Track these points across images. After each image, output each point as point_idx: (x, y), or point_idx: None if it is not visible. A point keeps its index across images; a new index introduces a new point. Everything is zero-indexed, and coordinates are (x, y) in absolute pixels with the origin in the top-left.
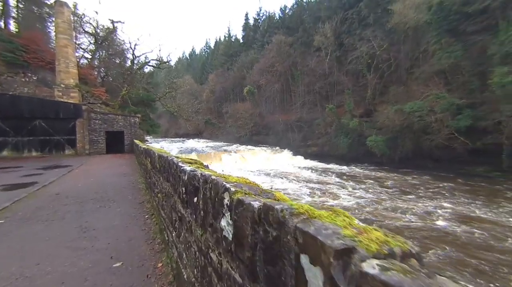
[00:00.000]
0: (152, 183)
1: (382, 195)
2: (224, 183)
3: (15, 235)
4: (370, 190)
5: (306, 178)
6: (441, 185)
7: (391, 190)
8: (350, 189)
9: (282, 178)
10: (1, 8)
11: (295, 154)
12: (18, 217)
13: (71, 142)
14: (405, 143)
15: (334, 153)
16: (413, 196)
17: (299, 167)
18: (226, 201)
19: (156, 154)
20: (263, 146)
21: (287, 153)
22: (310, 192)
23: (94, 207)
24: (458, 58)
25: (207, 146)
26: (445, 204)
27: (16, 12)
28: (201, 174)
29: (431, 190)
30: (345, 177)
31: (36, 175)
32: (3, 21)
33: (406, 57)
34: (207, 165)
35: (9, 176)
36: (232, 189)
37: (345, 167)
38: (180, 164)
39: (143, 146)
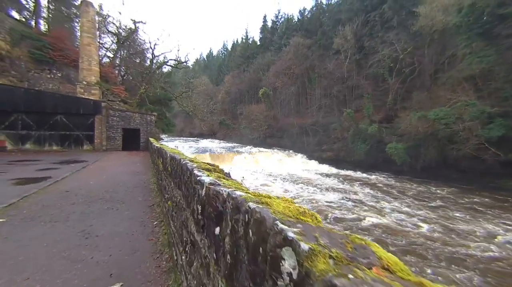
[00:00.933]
0: (162, 186)
1: (428, 211)
2: (281, 225)
3: (14, 238)
4: (411, 205)
5: (332, 186)
6: (482, 200)
7: (433, 204)
8: (388, 203)
9: (306, 185)
10: (33, 8)
11: (309, 158)
12: (22, 216)
13: (89, 138)
14: (428, 152)
15: (350, 159)
16: (463, 214)
17: (317, 173)
18: (287, 267)
19: (168, 155)
20: (277, 149)
21: (301, 157)
22: (352, 205)
23: (102, 209)
24: (491, 63)
25: (220, 147)
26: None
27: (46, 12)
28: (228, 193)
29: (478, 206)
30: (372, 187)
31: (51, 169)
32: (34, 20)
33: (431, 61)
34: (229, 173)
35: (26, 169)
36: (303, 244)
37: (365, 175)
38: (195, 171)
39: (157, 145)
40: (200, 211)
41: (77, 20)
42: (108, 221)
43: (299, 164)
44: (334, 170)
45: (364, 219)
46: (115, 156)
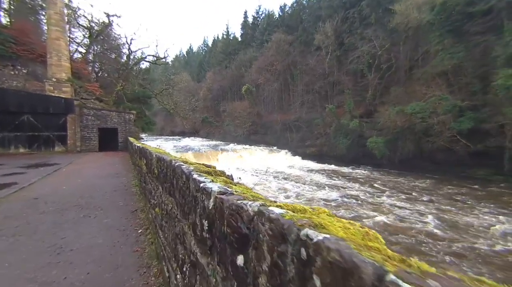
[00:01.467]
0: (147, 190)
1: (420, 204)
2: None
3: None
4: (407, 200)
5: (325, 183)
6: (460, 190)
7: (425, 198)
8: (384, 199)
9: (300, 183)
10: None
11: (293, 154)
12: None
13: (61, 139)
14: (405, 145)
15: (333, 154)
16: (448, 206)
17: (305, 169)
18: None
19: (154, 156)
20: (261, 146)
21: (285, 153)
22: (350, 202)
23: (77, 217)
24: (461, 59)
25: (203, 145)
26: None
27: (8, 4)
28: (259, 211)
29: (457, 196)
30: (361, 182)
31: (17, 174)
32: None
33: (406, 57)
34: (231, 176)
35: None
36: None
37: (350, 169)
38: (195, 176)
39: (138, 145)
40: (206, 228)
41: (44, 13)
42: (85, 232)
43: (283, 161)
44: (319, 166)
45: (370, 217)
46: (91, 158)
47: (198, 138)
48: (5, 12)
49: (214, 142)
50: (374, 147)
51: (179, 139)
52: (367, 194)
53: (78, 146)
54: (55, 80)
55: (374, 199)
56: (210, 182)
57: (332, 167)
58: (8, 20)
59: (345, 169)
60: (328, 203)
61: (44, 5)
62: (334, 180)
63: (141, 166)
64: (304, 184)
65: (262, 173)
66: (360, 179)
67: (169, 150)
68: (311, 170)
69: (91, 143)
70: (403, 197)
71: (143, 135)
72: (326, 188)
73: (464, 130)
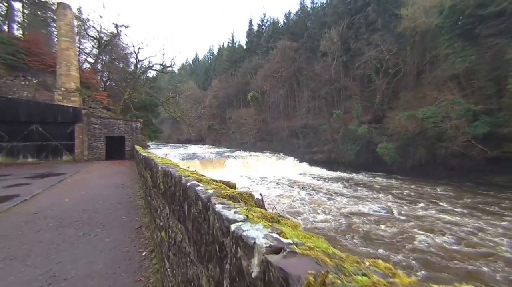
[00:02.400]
0: (153, 206)
1: (464, 217)
2: None
3: None
4: (444, 212)
5: (344, 193)
6: (484, 199)
7: (464, 210)
8: (420, 210)
9: (316, 192)
10: (5, 12)
11: (300, 161)
12: None
13: (69, 148)
14: (417, 151)
15: (341, 160)
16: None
17: (319, 178)
18: None
19: (160, 168)
20: (267, 153)
21: (292, 160)
22: (383, 215)
23: (76, 236)
24: (473, 62)
25: (210, 152)
26: None
27: (21, 17)
28: None
29: (481, 205)
30: (384, 190)
31: (21, 185)
32: (6, 25)
33: (415, 62)
34: (261, 199)
35: None
36: None
37: (366, 177)
38: (218, 207)
39: (143, 154)
40: None
41: (54, 25)
42: (83, 255)
43: (292, 168)
44: (331, 173)
45: (426, 236)
46: (97, 167)
47: (205, 146)
48: (18, 25)
49: (220, 149)
50: (384, 153)
51: (186, 146)
52: (400, 205)
53: (85, 155)
54: (64, 89)
55: (413, 212)
56: (245, 221)
57: (344, 174)
58: (21, 32)
59: (359, 177)
60: (367, 217)
61: (55, 17)
62: (355, 189)
63: (146, 177)
64: (327, 194)
65: (274, 182)
66: (381, 188)
67: (176, 158)
68: (325, 178)
69: (98, 152)
70: (437, 208)
71: (149, 143)
72: (354, 199)
73: (479, 135)
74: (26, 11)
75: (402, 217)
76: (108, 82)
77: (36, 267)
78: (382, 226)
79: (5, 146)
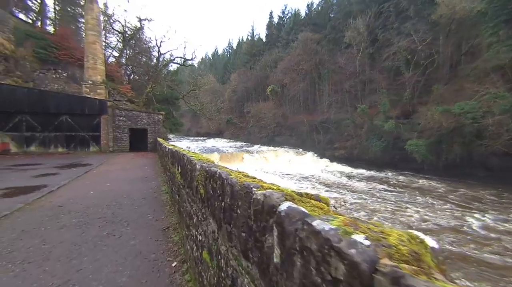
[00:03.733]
0: (185, 210)
1: None
2: None
3: None
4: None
5: (386, 197)
6: None
7: None
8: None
9: (352, 193)
10: (38, 8)
11: (320, 156)
12: None
13: (95, 139)
14: (451, 149)
15: (364, 157)
16: None
17: (345, 175)
18: None
19: (198, 166)
20: (286, 147)
21: (311, 156)
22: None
23: (99, 236)
24: None
25: (228, 146)
26: None
27: (53, 13)
28: None
29: None
30: (426, 192)
31: (50, 175)
32: (40, 21)
33: (452, 52)
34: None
35: (22, 175)
36: None
37: (395, 175)
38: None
39: (169, 147)
40: None
41: (83, 20)
42: (106, 261)
43: (312, 164)
44: (357, 171)
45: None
46: (121, 159)
47: (223, 139)
48: (50, 21)
49: (238, 143)
50: (414, 151)
51: (204, 139)
52: (476, 217)
53: (110, 146)
54: (91, 82)
55: (497, 226)
56: None
57: (375, 173)
58: (53, 28)
59: (392, 176)
60: (424, 229)
61: (83, 13)
62: (402, 192)
63: (173, 173)
64: (379, 198)
65: (300, 178)
66: (431, 191)
67: (195, 150)
68: (355, 177)
69: (123, 143)
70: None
71: (170, 136)
72: (415, 207)
73: None
74: (57, 7)
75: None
76: (132, 75)
77: (54, 275)
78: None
79: (38, 136)
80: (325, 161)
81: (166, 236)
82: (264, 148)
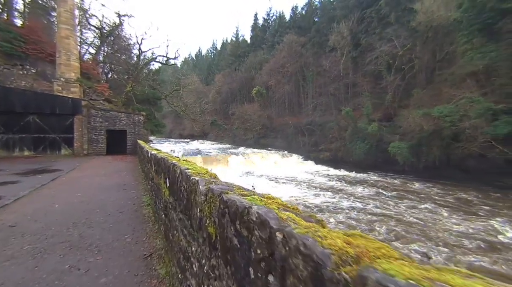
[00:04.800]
0: (177, 244)
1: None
2: None
3: None
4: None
5: (387, 200)
6: None
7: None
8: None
9: (346, 199)
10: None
11: (305, 159)
12: None
13: (68, 141)
14: (431, 151)
15: (349, 159)
16: None
17: (333, 178)
18: None
19: (202, 189)
20: (271, 150)
21: (297, 158)
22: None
23: (58, 270)
24: (494, 59)
25: (213, 148)
26: None
27: (22, 5)
28: None
29: None
30: (418, 195)
31: (8, 184)
32: (6, 12)
33: (430, 58)
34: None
35: None
36: None
37: (380, 178)
38: None
39: (151, 151)
40: None
41: (55, 14)
42: None
43: (297, 166)
44: (343, 173)
45: None
46: (97, 162)
47: (207, 141)
48: (19, 14)
49: (223, 145)
50: (397, 153)
51: (188, 141)
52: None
53: (85, 149)
54: (63, 80)
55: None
56: None
57: (362, 175)
58: (22, 22)
59: (378, 178)
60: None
61: (55, 5)
62: (399, 197)
63: (158, 185)
64: (381, 203)
65: (289, 181)
66: (421, 194)
67: (179, 153)
68: (345, 180)
69: (99, 146)
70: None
71: (151, 138)
72: (421, 213)
73: (500, 135)
74: (26, 0)
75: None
76: (110, 74)
77: None
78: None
79: (0, 138)
80: (310, 163)
81: (149, 268)
82: (249, 150)
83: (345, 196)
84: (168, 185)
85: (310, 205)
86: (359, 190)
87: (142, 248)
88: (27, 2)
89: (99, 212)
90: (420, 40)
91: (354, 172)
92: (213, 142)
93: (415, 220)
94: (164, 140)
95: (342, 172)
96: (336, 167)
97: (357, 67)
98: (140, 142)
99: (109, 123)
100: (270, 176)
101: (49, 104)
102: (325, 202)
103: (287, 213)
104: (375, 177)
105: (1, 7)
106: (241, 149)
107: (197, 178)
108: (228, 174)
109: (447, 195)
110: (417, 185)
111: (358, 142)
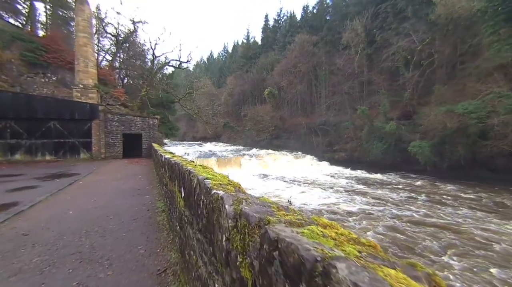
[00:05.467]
0: (196, 269)
1: None
2: None
3: None
4: None
5: (395, 199)
6: None
7: None
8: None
9: (400, 206)
10: (28, 11)
11: (319, 159)
12: None
13: (86, 145)
14: (455, 150)
15: (365, 160)
16: None
17: (355, 180)
18: None
19: (229, 211)
20: (284, 151)
21: (310, 159)
22: None
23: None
24: None
25: (226, 150)
26: None
27: (44, 17)
28: None
29: None
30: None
31: (27, 189)
32: (30, 24)
33: (452, 51)
34: None
35: None
36: None
37: (406, 180)
38: None
39: (165, 155)
40: None
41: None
42: None
43: (311, 167)
44: (370, 176)
45: None
46: (113, 166)
47: (220, 143)
48: (41, 25)
49: (236, 147)
50: (417, 152)
51: (201, 144)
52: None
53: (102, 153)
54: (82, 86)
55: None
56: None
57: (380, 176)
58: (44, 32)
59: (398, 179)
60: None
61: (74, 15)
62: (442, 203)
63: (172, 192)
64: (403, 207)
65: (311, 184)
66: (459, 197)
67: (192, 155)
68: (364, 181)
69: (115, 150)
70: None
71: (166, 141)
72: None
73: None
74: (48, 11)
75: None
76: (126, 79)
77: None
78: None
79: (23, 144)
80: (325, 164)
81: (163, 284)
82: (262, 151)
83: (379, 201)
84: (183, 195)
85: (344, 213)
86: (389, 194)
87: (156, 262)
88: (48, 14)
89: (112, 219)
90: (440, 34)
91: (373, 173)
92: (226, 144)
93: (468, 229)
94: (178, 143)
95: (362, 174)
96: (353, 167)
97: (373, 64)
98: (155, 145)
99: (125, 127)
100: (286, 178)
101: (68, 110)
102: (360, 209)
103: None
104: (398, 178)
105: (25, 19)
106: (254, 150)
107: (220, 193)
108: (242, 176)
109: (486, 198)
110: (449, 187)
111: (375, 141)
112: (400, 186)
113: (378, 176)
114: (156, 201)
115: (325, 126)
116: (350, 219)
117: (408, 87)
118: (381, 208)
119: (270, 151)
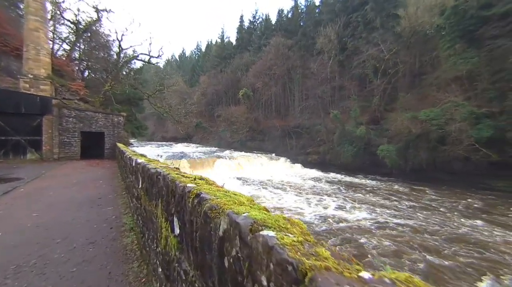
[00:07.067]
0: None
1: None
2: None
3: None
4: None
5: (371, 200)
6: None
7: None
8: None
9: (375, 208)
10: None
11: (293, 162)
12: None
13: (35, 144)
14: (418, 154)
15: (337, 162)
16: None
17: (326, 181)
18: None
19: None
20: (258, 153)
21: (284, 161)
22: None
23: None
24: (476, 64)
25: (198, 151)
26: None
27: None
28: None
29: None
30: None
31: None
32: None
33: (415, 62)
34: None
35: None
36: None
37: (373, 182)
38: None
39: (138, 159)
40: None
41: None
42: None
43: (285, 169)
44: (335, 176)
45: None
46: (68, 169)
47: (192, 144)
48: None
49: (208, 149)
50: (385, 156)
51: (171, 145)
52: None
53: (55, 153)
54: (31, 76)
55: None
56: None
57: (352, 179)
58: None
59: (369, 181)
60: None
61: None
62: (419, 204)
63: (152, 213)
64: (379, 210)
65: (274, 186)
66: (429, 199)
67: (162, 157)
68: (338, 183)
69: (72, 150)
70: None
71: (132, 141)
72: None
73: (483, 139)
74: None
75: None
76: (87, 72)
77: None
78: None
79: None
80: (298, 166)
81: None
82: (236, 153)
83: (353, 203)
84: (178, 233)
85: (325, 216)
86: (365, 195)
87: None
88: None
89: (60, 244)
90: (404, 45)
91: (345, 175)
92: (198, 145)
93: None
94: (146, 143)
95: (334, 175)
96: (325, 170)
97: (344, 70)
98: (120, 145)
99: (84, 125)
100: (260, 181)
101: (12, 102)
102: (334, 215)
103: None
104: (369, 180)
105: None
106: (227, 152)
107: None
108: (215, 179)
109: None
110: (428, 191)
111: (346, 145)
112: (374, 190)
113: (350, 178)
114: (121, 214)
115: (299, 128)
116: (340, 225)
117: (376, 94)
118: (361, 213)
119: (244, 153)
